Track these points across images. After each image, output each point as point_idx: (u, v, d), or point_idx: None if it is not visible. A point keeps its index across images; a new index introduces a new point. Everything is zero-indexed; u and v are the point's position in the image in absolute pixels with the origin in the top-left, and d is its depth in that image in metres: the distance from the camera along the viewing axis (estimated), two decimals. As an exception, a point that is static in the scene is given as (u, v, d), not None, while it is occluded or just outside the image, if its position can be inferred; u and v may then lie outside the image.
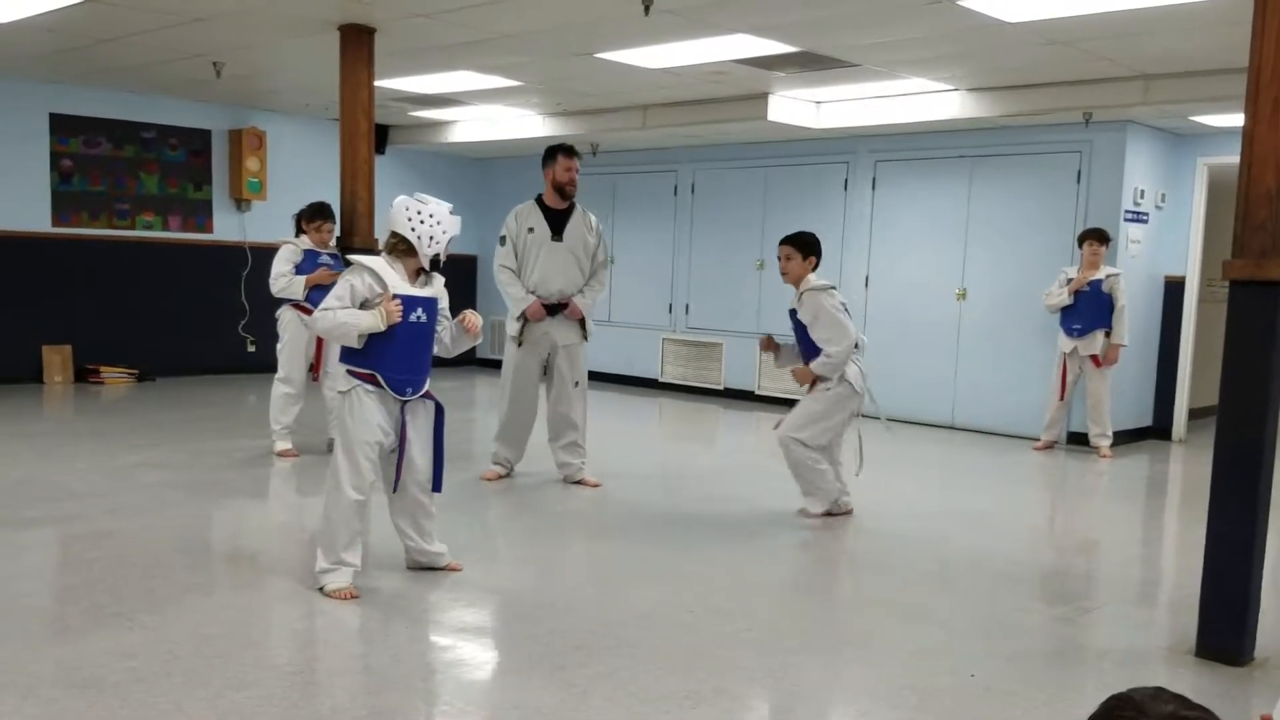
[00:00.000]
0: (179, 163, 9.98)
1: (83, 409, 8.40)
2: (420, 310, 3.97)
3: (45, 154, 9.20)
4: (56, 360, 9.31)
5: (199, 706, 2.93)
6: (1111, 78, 6.93)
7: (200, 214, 10.14)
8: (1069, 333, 7.78)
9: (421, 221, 3.94)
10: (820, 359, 5.26)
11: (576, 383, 6.00)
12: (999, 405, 8.57)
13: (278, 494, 6.00)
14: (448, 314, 4.17)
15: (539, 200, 5.99)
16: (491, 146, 10.84)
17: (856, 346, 5.33)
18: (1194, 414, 8.83)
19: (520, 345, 5.95)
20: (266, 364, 7.60)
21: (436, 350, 4.13)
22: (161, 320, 9.87)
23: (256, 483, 6.06)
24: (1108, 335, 7.69)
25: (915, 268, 9.00)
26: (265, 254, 7.58)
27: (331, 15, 6.15)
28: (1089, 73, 6.83)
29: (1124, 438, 8.25)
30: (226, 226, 10.26)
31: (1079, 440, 8.04)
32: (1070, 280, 7.72)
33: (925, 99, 7.78)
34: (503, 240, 5.98)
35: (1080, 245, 7.79)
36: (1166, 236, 8.56)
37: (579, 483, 6.04)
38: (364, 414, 3.93)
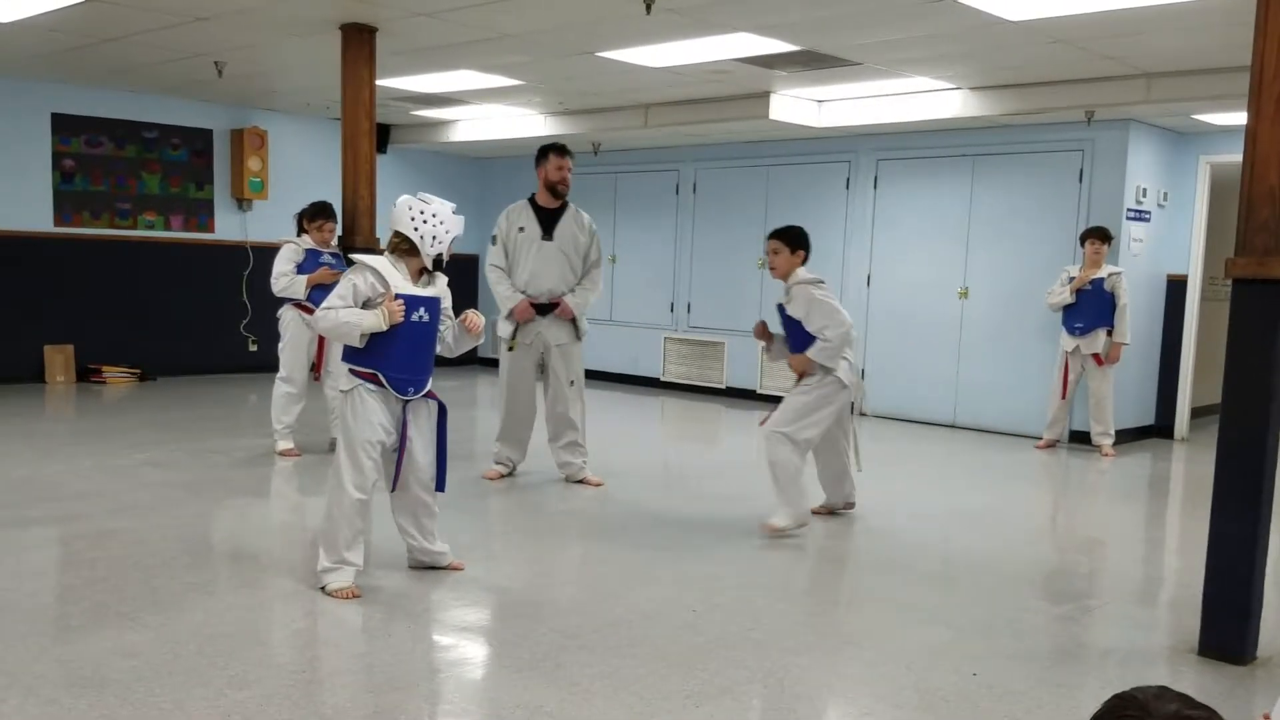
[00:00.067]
0: (181, 162, 9.98)
1: (85, 409, 8.40)
2: (423, 310, 3.97)
3: (47, 154, 9.21)
4: (58, 360, 9.31)
5: (201, 706, 2.93)
6: (1113, 76, 6.93)
7: (202, 213, 10.14)
8: (1071, 331, 7.78)
9: (424, 221, 3.94)
10: (818, 344, 5.04)
11: (572, 382, 5.99)
12: (1001, 404, 8.56)
13: (279, 493, 6.00)
14: (450, 313, 4.17)
15: (532, 200, 6.00)
16: (493, 146, 10.84)
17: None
18: (1196, 412, 8.83)
19: (511, 349, 5.95)
20: (268, 363, 7.60)
21: (439, 350, 4.13)
22: (163, 320, 9.88)
23: (258, 482, 6.07)
24: (1110, 334, 7.69)
25: (917, 267, 9.00)
26: (267, 253, 7.58)
27: (333, 14, 6.15)
28: (1091, 71, 6.82)
29: (1126, 436, 8.24)
30: (228, 226, 10.27)
31: (1081, 439, 8.03)
32: (1072, 279, 7.71)
33: (927, 98, 7.78)
34: (494, 240, 6.00)
35: (1082, 244, 7.78)
36: (1168, 235, 8.55)
37: (581, 482, 6.04)
38: (366, 413, 3.93)
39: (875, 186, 9.27)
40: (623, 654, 3.46)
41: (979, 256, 8.70)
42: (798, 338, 5.16)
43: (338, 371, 4.41)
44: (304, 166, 10.31)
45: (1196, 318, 8.62)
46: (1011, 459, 7.65)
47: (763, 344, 5.44)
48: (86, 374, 9.41)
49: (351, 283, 3.93)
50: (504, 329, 5.96)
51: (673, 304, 10.73)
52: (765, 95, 8.03)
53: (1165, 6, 5.23)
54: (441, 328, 4.12)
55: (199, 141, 10.07)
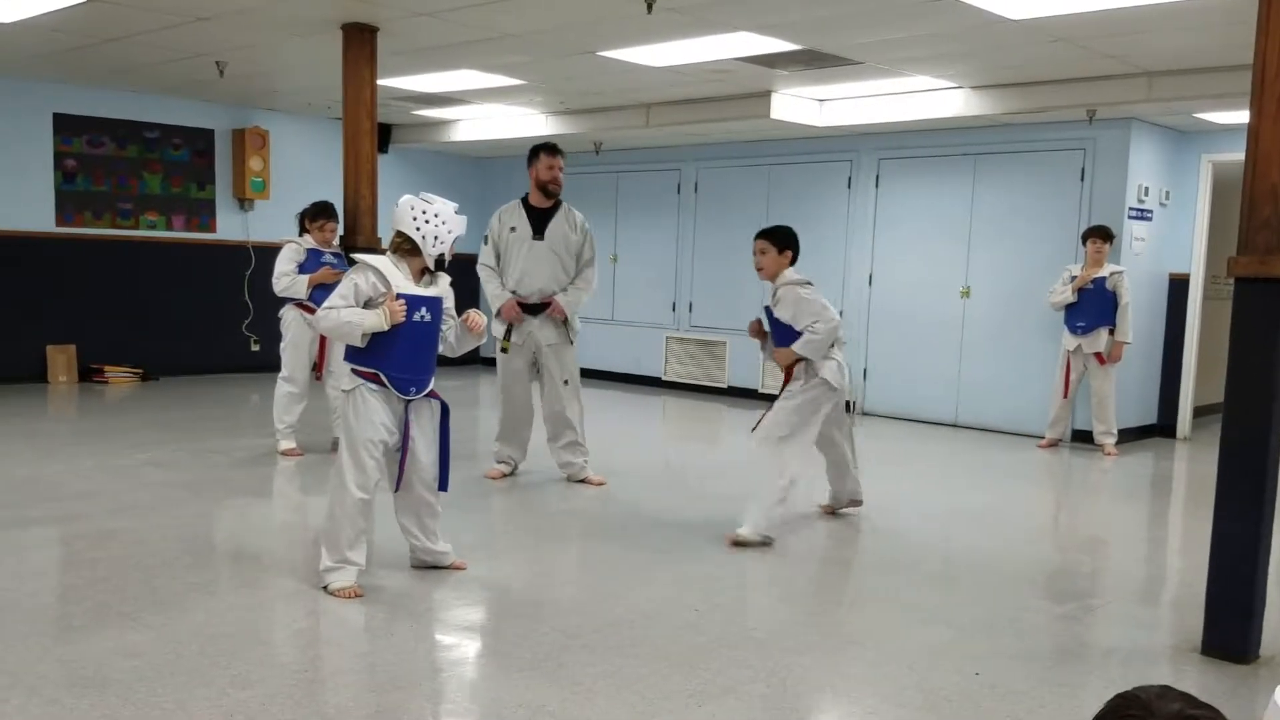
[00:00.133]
0: (182, 162, 9.98)
1: (87, 408, 8.41)
2: (424, 310, 3.97)
3: (49, 154, 9.21)
4: (61, 360, 9.32)
5: (203, 705, 2.93)
6: (1115, 75, 6.92)
7: (204, 213, 10.14)
8: (1073, 330, 7.77)
9: (426, 221, 3.94)
10: (805, 337, 4.89)
11: (566, 381, 5.99)
12: (1003, 403, 8.56)
13: (282, 493, 6.01)
14: (453, 313, 4.17)
15: (524, 200, 6.00)
16: (494, 145, 10.84)
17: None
18: (1199, 411, 8.82)
19: (504, 350, 5.96)
20: (270, 363, 7.61)
21: (441, 349, 4.13)
22: (165, 320, 9.88)
23: (260, 482, 6.07)
24: (1112, 333, 7.68)
25: (919, 266, 9.00)
26: (268, 253, 7.58)
27: (334, 14, 6.15)
28: (1093, 70, 6.82)
29: (1129, 435, 8.24)
30: (230, 226, 10.27)
31: (1084, 438, 8.03)
32: (1074, 278, 7.71)
33: (929, 97, 7.77)
34: (485, 239, 6.02)
35: (1084, 243, 7.78)
36: (1171, 234, 8.54)
37: (583, 481, 6.04)
38: (368, 413, 3.93)
39: (877, 186, 9.27)
40: (625, 653, 3.45)
41: (981, 255, 8.70)
42: (785, 340, 5.01)
43: (340, 371, 4.41)
44: (305, 166, 10.32)
45: (1199, 317, 8.61)
46: (1013, 458, 7.65)
47: (759, 342, 5.36)
48: (88, 374, 9.42)
49: (353, 282, 3.93)
50: (497, 329, 5.97)
51: (674, 303, 10.73)
52: (766, 95, 8.02)
53: (1167, 5, 5.22)
54: (444, 327, 4.12)
55: (200, 141, 10.08)
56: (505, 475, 6.13)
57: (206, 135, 10.10)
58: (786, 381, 5.05)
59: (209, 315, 10.12)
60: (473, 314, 4.08)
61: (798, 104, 8.25)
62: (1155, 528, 6.11)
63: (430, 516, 4.20)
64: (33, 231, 9.15)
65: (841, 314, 9.89)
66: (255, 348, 10.30)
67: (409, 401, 4.00)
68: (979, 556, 4.92)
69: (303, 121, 10.52)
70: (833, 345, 5.01)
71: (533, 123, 9.71)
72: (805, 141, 9.44)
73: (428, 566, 4.28)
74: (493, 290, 5.95)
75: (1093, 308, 7.67)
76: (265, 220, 10.17)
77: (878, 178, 9.25)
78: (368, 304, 3.91)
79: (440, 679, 3.34)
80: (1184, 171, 8.52)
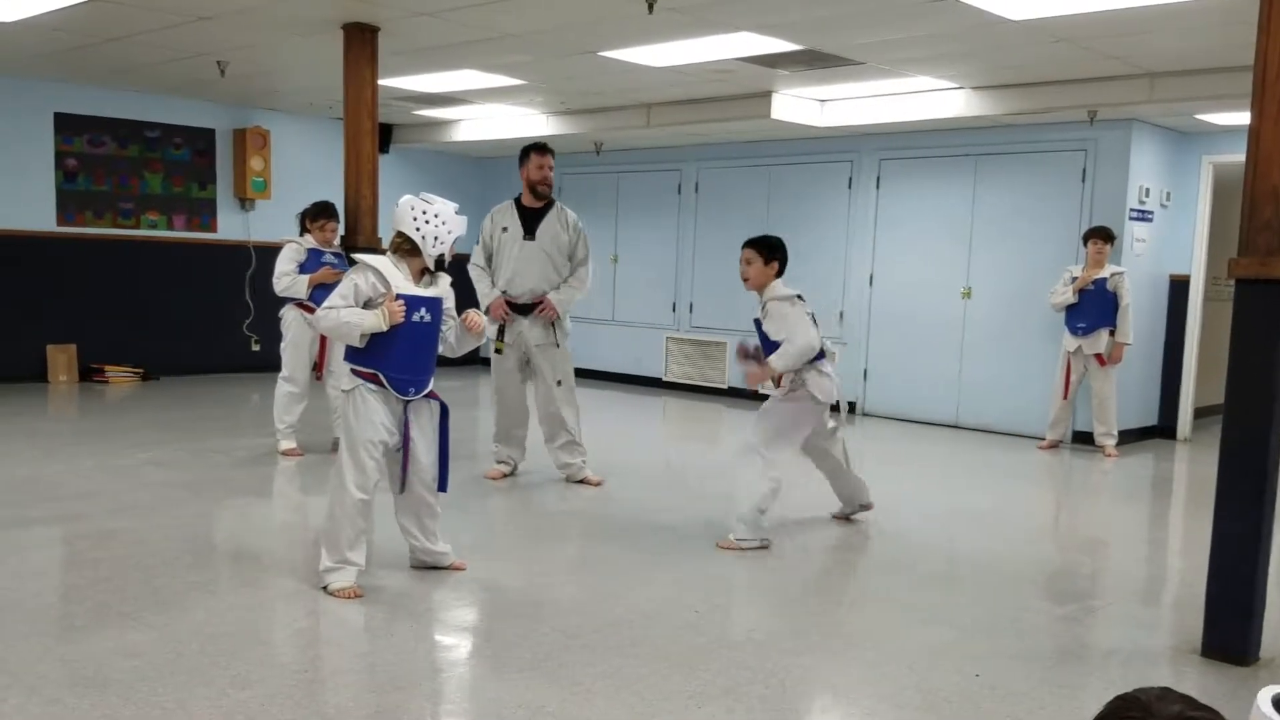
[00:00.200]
0: (183, 162, 9.98)
1: (87, 408, 8.41)
2: (424, 310, 3.97)
3: (50, 153, 9.21)
4: (61, 359, 9.32)
5: (203, 705, 2.93)
6: (1116, 76, 6.92)
7: (204, 213, 10.15)
8: (1074, 331, 7.77)
9: (427, 221, 3.94)
10: (779, 351, 4.86)
11: (559, 381, 5.99)
12: (1004, 404, 8.56)
13: (282, 493, 6.01)
14: (453, 313, 4.17)
15: (517, 200, 6.01)
16: (495, 145, 10.83)
17: (823, 355, 4.98)
18: (1199, 413, 8.81)
19: (499, 350, 5.97)
20: (270, 363, 7.60)
21: (441, 350, 4.13)
22: (166, 319, 9.89)
23: (261, 482, 6.07)
24: (1112, 334, 7.68)
25: (920, 266, 8.99)
26: (269, 253, 7.58)
27: (335, 14, 6.15)
28: (1094, 71, 6.81)
29: (1129, 437, 8.24)
30: (231, 226, 10.27)
31: (1084, 439, 8.02)
32: (1075, 279, 7.71)
33: (930, 97, 7.77)
34: (477, 239, 6.03)
35: (1085, 244, 7.78)
36: (1171, 235, 8.54)
37: (581, 481, 6.04)
38: (367, 413, 3.93)
39: (878, 186, 9.26)
40: (624, 654, 3.45)
41: (981, 256, 8.70)
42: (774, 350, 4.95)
43: (340, 371, 4.41)
44: (306, 166, 10.32)
45: (1199, 318, 8.61)
46: (1014, 459, 7.65)
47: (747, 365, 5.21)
48: (89, 373, 9.42)
49: (353, 282, 3.93)
50: (490, 329, 5.97)
51: (675, 304, 10.73)
52: (767, 95, 8.02)
53: (1168, 6, 5.22)
54: (444, 328, 4.12)
55: (201, 141, 10.08)
56: (505, 475, 6.13)
57: (207, 135, 10.10)
58: (777, 384, 5.01)
59: (210, 315, 10.12)
60: (472, 314, 4.08)
61: (798, 104, 8.25)
62: (1155, 529, 6.11)
63: (430, 517, 4.20)
64: (33, 231, 9.15)
65: (842, 315, 9.92)
66: (256, 348, 10.30)
67: (408, 402, 4.00)
68: (979, 557, 4.92)
69: (304, 121, 10.52)
70: (823, 359, 4.97)
71: (533, 123, 9.70)
72: (806, 142, 9.44)
73: (427, 567, 4.28)
74: (482, 289, 5.97)
75: (1093, 309, 7.66)
76: (266, 220, 10.17)
77: (879, 178, 9.25)
78: (367, 304, 3.91)
79: (440, 679, 3.34)
80: (1185, 173, 8.51)
